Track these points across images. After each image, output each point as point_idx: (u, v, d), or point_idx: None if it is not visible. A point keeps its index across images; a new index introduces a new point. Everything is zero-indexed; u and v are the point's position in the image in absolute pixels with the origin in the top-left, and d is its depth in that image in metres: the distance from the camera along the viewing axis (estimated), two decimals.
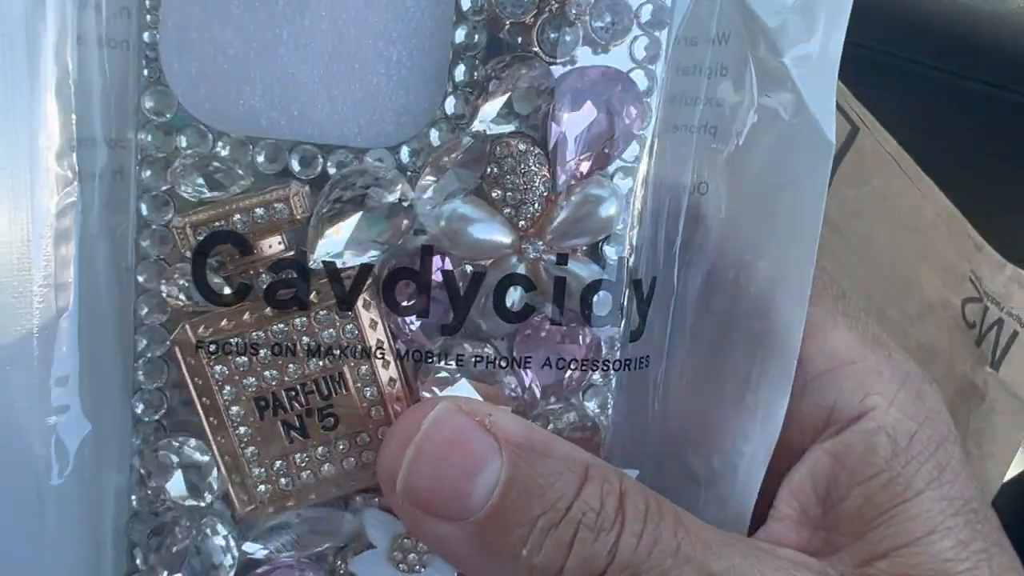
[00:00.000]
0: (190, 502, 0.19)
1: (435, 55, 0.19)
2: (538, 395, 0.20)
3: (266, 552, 0.20)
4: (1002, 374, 0.43)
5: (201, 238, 0.18)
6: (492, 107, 0.18)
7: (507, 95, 0.18)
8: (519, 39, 0.18)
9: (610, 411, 0.20)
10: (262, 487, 0.19)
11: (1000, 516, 0.22)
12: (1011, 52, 0.49)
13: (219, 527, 0.19)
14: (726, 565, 0.18)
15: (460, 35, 0.18)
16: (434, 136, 0.19)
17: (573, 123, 0.19)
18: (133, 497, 0.19)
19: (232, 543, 0.19)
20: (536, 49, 0.19)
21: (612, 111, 0.19)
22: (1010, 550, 0.20)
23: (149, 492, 0.19)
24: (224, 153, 0.18)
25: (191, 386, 0.19)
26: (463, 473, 0.17)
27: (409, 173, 0.19)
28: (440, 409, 0.18)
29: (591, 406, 0.20)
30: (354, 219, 0.18)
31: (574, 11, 0.18)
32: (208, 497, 0.19)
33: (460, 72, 0.18)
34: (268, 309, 0.18)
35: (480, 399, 0.19)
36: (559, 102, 0.19)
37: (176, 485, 0.19)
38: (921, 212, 0.44)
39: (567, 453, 0.18)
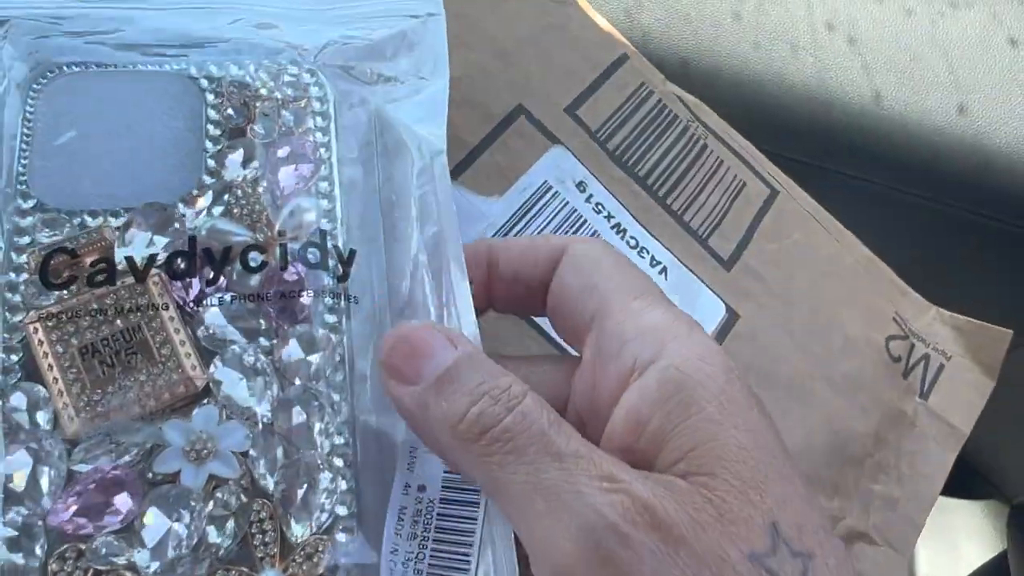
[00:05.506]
0: (31, 426, 0.26)
1: (192, 145, 0.31)
2: (275, 319, 0.29)
3: (89, 466, 0.26)
4: (932, 403, 0.48)
5: (45, 253, 0.28)
6: (233, 166, 0.31)
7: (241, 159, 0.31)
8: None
9: (343, 332, 0.29)
10: (84, 413, 0.27)
11: None
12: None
13: (52, 443, 0.26)
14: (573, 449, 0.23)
15: (208, 145, 0.31)
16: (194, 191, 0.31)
17: (284, 172, 0.31)
18: None
19: (63, 455, 0.26)
20: (251, 136, 0.32)
21: (299, 162, 0.31)
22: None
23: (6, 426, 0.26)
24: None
25: (35, 348, 0.27)
26: (424, 355, 0.26)
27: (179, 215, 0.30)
28: (424, 322, 0.28)
29: (326, 323, 0.29)
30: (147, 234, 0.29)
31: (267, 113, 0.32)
32: (45, 424, 0.26)
33: (209, 158, 0.31)
34: (88, 290, 0.28)
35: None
36: (270, 160, 0.31)
37: (21, 415, 0.26)
38: (840, 260, 0.47)
39: (499, 367, 0.25)
